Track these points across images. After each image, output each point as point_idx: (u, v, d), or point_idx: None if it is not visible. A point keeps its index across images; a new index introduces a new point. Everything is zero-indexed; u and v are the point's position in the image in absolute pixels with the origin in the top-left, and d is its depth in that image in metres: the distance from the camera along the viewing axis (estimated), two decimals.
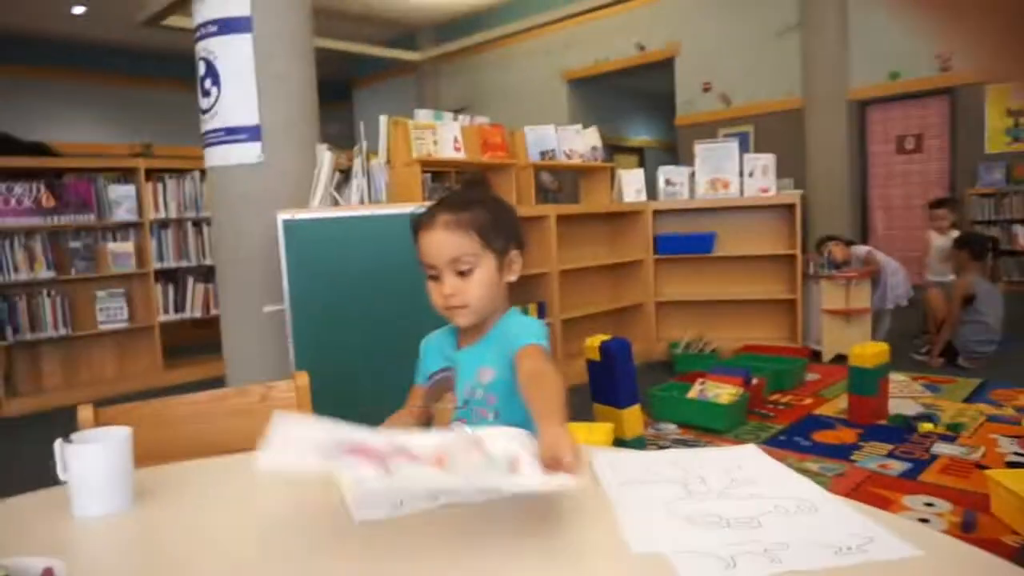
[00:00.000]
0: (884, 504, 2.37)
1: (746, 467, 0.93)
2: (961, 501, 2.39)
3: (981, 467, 2.63)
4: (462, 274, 1.16)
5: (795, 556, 0.67)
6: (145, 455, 1.15)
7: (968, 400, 3.58)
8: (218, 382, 3.39)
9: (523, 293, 4.38)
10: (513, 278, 1.23)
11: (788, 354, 4.34)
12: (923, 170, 8.01)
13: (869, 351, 3.33)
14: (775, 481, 0.88)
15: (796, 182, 7.85)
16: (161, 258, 4.90)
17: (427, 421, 1.29)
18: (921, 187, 8.04)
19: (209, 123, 3.10)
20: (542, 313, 4.19)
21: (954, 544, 0.69)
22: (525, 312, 1.32)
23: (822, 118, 7.70)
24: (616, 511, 0.80)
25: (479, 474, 0.77)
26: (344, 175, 3.06)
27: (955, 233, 4.97)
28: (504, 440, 0.83)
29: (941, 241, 5.03)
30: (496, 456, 0.79)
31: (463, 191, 1.30)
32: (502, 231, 1.20)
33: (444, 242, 1.15)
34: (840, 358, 4.34)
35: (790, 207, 4.82)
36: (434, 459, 0.77)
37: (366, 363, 2.74)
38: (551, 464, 0.76)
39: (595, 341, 3.48)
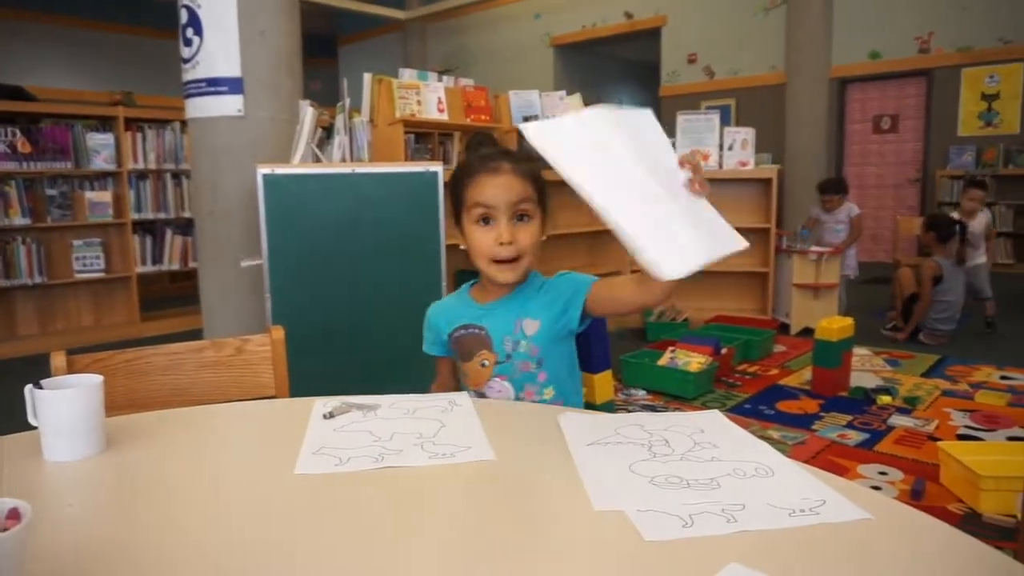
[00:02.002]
0: (840, 472, 2.47)
1: (709, 431, 0.96)
2: (913, 470, 2.51)
3: (933, 439, 2.75)
4: (521, 220, 1.18)
5: (750, 517, 0.70)
6: (119, 404, 1.19)
7: (926, 375, 3.72)
8: (195, 335, 3.39)
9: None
10: (543, 238, 1.25)
11: (757, 326, 4.46)
12: (897, 150, 8.16)
13: (835, 325, 3.45)
14: (735, 446, 0.91)
15: (774, 157, 7.93)
16: (139, 209, 4.86)
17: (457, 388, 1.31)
18: (895, 167, 8.19)
19: (190, 73, 3.05)
20: None
21: (901, 508, 0.73)
22: None
23: (803, 94, 7.77)
24: (580, 471, 0.82)
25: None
26: (326, 132, 3.05)
27: (984, 215, 4.93)
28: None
29: (974, 223, 4.86)
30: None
31: (490, 140, 1.31)
32: (544, 191, 1.23)
33: (511, 185, 1.16)
34: (807, 331, 4.47)
35: (767, 182, 4.90)
36: None
37: (343, 319, 2.77)
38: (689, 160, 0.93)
39: None
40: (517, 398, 1.22)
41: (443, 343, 1.30)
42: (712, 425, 0.98)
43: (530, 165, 1.19)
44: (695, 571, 0.61)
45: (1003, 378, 3.61)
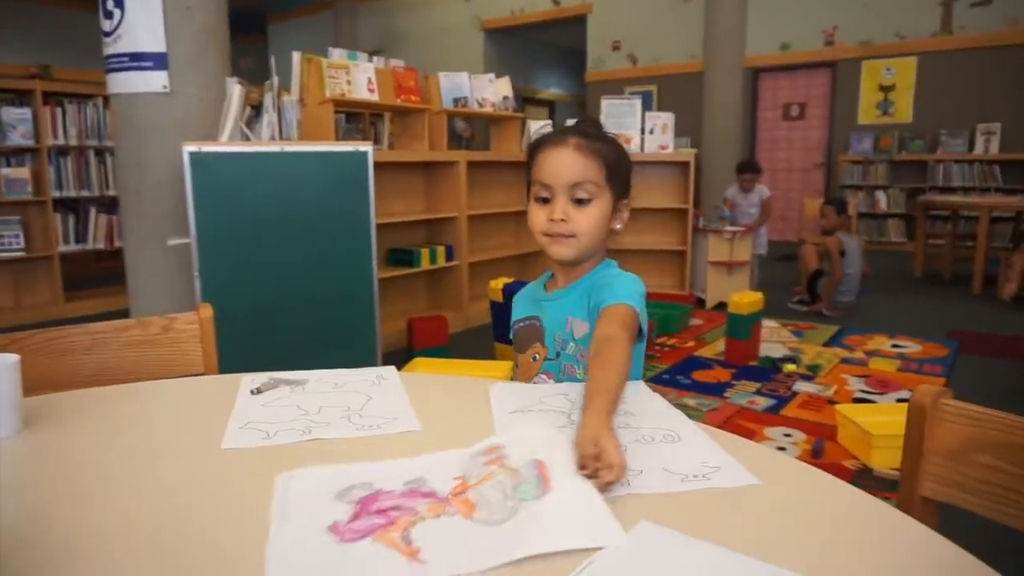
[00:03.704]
0: (749, 435, 2.67)
1: (630, 400, 0.97)
2: (814, 432, 2.72)
3: (832, 403, 2.98)
4: (579, 202, 1.09)
5: (643, 481, 0.72)
6: (40, 385, 1.13)
7: (827, 344, 4.03)
8: (122, 315, 3.31)
9: (433, 235, 4.50)
10: (618, 227, 1.16)
11: (676, 301, 4.70)
12: (804, 136, 8.65)
13: (746, 300, 3.69)
14: (650, 414, 0.93)
15: (692, 141, 8.29)
16: (60, 186, 4.70)
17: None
18: (802, 152, 8.68)
19: (111, 47, 2.97)
20: (450, 256, 4.34)
21: (799, 468, 0.78)
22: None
23: (719, 82, 8.10)
24: (496, 437, 0.83)
25: (509, 517, 0.65)
26: (255, 111, 3.03)
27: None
28: (528, 444, 0.78)
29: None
30: (522, 468, 0.72)
31: (597, 127, 1.19)
32: (623, 175, 1.13)
33: (571, 163, 1.07)
34: (721, 305, 4.75)
35: (685, 165, 5.14)
36: (455, 491, 0.70)
37: (273, 297, 2.79)
38: (587, 463, 0.71)
39: (499, 284, 3.67)
40: None
41: (511, 327, 1.23)
42: (633, 395, 1.00)
43: (602, 144, 1.10)
44: None
45: (894, 346, 3.95)
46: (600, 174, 1.09)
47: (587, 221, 1.09)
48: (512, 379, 1.20)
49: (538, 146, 1.12)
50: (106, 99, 3.91)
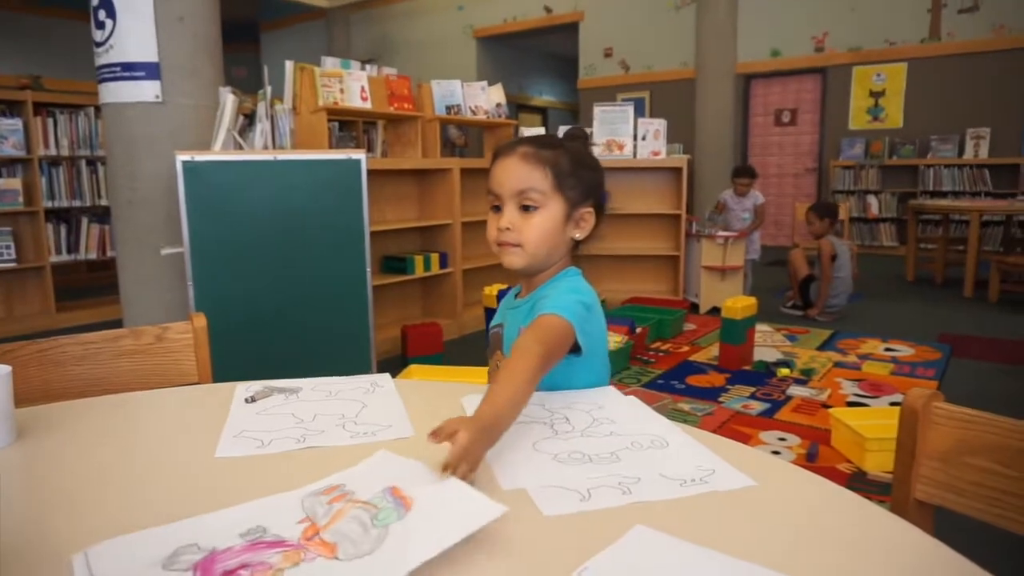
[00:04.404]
0: (744, 439, 2.67)
1: (607, 407, 0.98)
2: (808, 435, 2.72)
3: (826, 407, 2.98)
4: (525, 210, 1.08)
5: (644, 488, 0.73)
6: (32, 396, 1.14)
7: (820, 348, 4.04)
8: (115, 325, 3.30)
9: (427, 242, 4.50)
10: (579, 236, 1.14)
11: (669, 306, 4.71)
12: (796, 142, 8.69)
13: (740, 304, 3.69)
14: (632, 419, 0.93)
15: (685, 147, 8.31)
16: (52, 197, 4.70)
17: None
18: (793, 157, 8.72)
19: (103, 57, 2.96)
20: (444, 263, 4.34)
21: (794, 472, 0.78)
22: (577, 274, 1.16)
23: (711, 89, 8.16)
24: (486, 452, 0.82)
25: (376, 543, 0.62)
26: (248, 119, 3.04)
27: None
28: (369, 479, 0.74)
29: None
30: (374, 499, 0.69)
31: (554, 135, 1.19)
32: (580, 182, 1.11)
33: (515, 172, 1.08)
34: (715, 310, 4.76)
35: (678, 170, 5.16)
36: (306, 534, 0.64)
37: (267, 306, 2.78)
38: (450, 460, 0.71)
39: (493, 290, 3.67)
40: None
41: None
42: (609, 400, 1.01)
43: (551, 152, 1.09)
44: (597, 540, 0.62)
45: (887, 350, 3.96)
46: (547, 182, 1.07)
47: (533, 230, 1.08)
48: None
49: (494, 156, 1.13)
50: (98, 109, 3.91)
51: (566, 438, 0.87)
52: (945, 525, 0.82)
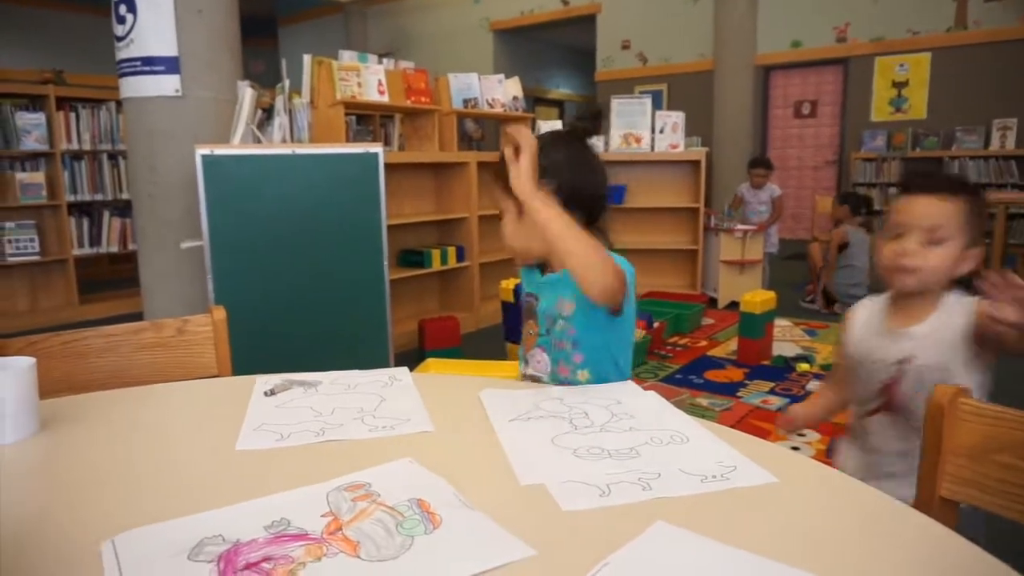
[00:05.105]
0: (763, 435, 2.63)
1: (625, 402, 0.98)
2: (828, 431, 2.69)
3: None
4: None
5: (664, 484, 0.72)
6: (56, 388, 1.15)
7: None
8: (136, 318, 3.34)
9: (444, 236, 4.51)
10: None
11: (688, 300, 4.69)
12: (816, 134, 8.59)
13: (759, 298, 3.67)
14: (651, 414, 0.93)
15: (703, 140, 8.26)
16: (75, 191, 4.74)
17: None
18: (814, 150, 8.62)
19: (124, 52, 2.99)
20: (461, 256, 4.34)
21: (814, 467, 0.78)
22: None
23: (730, 81, 8.07)
24: (505, 447, 0.83)
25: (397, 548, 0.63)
26: (267, 113, 3.05)
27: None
28: (396, 482, 0.75)
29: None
30: (400, 506, 0.70)
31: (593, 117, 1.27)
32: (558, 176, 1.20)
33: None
34: (733, 304, 4.72)
35: (696, 163, 5.12)
36: (329, 529, 0.65)
37: (285, 299, 2.80)
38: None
39: (510, 284, 3.67)
40: (552, 373, 1.21)
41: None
42: (627, 395, 1.01)
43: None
44: (617, 536, 0.62)
45: None
46: (547, 183, 1.10)
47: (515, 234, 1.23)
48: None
49: None
50: (119, 103, 3.95)
51: (585, 433, 0.87)
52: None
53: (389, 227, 3.06)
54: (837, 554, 0.61)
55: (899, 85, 7.91)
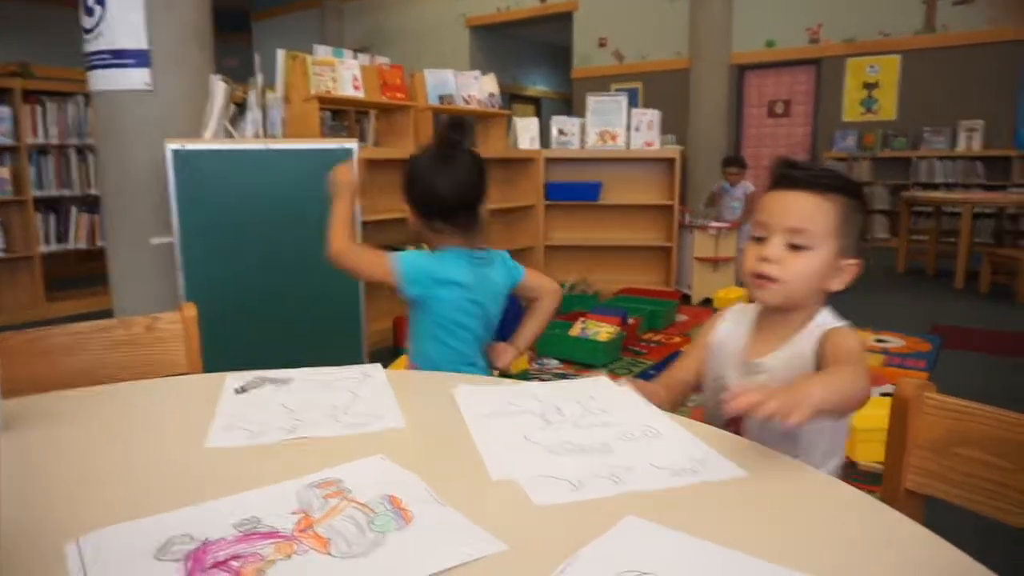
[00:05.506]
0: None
1: (598, 397, 0.98)
2: None
3: None
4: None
5: (636, 478, 0.73)
6: (20, 387, 1.11)
7: None
8: (105, 315, 3.28)
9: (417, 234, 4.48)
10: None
11: (662, 297, 4.72)
12: (789, 133, 8.70)
13: (732, 295, 3.72)
14: (624, 409, 0.93)
15: (678, 138, 8.31)
16: (41, 186, 4.63)
17: None
18: (787, 149, 8.72)
19: (92, 44, 2.92)
20: None
21: (784, 462, 0.79)
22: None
23: (705, 80, 8.14)
24: (477, 443, 0.83)
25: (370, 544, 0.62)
26: (239, 108, 3.01)
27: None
28: (367, 478, 0.74)
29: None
30: (372, 503, 0.69)
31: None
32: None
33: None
34: (707, 301, 4.77)
35: (671, 161, 5.16)
36: (299, 526, 0.64)
37: (257, 296, 2.77)
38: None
39: None
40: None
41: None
42: (600, 390, 1.01)
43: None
44: (588, 530, 0.62)
45: (878, 340, 3.98)
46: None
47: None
48: None
49: None
50: (87, 97, 3.86)
51: (558, 428, 0.87)
52: (934, 515, 0.83)
53: (364, 223, 3.04)
54: (806, 547, 0.62)
55: (870, 86, 8.04)
